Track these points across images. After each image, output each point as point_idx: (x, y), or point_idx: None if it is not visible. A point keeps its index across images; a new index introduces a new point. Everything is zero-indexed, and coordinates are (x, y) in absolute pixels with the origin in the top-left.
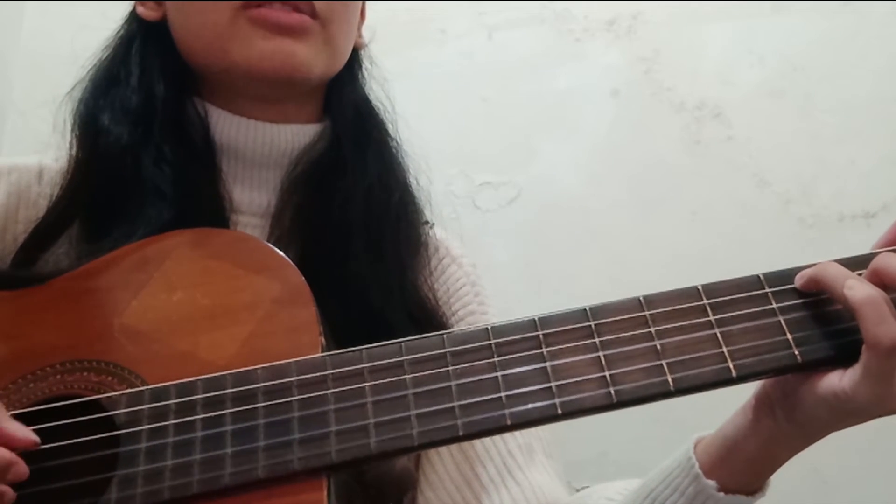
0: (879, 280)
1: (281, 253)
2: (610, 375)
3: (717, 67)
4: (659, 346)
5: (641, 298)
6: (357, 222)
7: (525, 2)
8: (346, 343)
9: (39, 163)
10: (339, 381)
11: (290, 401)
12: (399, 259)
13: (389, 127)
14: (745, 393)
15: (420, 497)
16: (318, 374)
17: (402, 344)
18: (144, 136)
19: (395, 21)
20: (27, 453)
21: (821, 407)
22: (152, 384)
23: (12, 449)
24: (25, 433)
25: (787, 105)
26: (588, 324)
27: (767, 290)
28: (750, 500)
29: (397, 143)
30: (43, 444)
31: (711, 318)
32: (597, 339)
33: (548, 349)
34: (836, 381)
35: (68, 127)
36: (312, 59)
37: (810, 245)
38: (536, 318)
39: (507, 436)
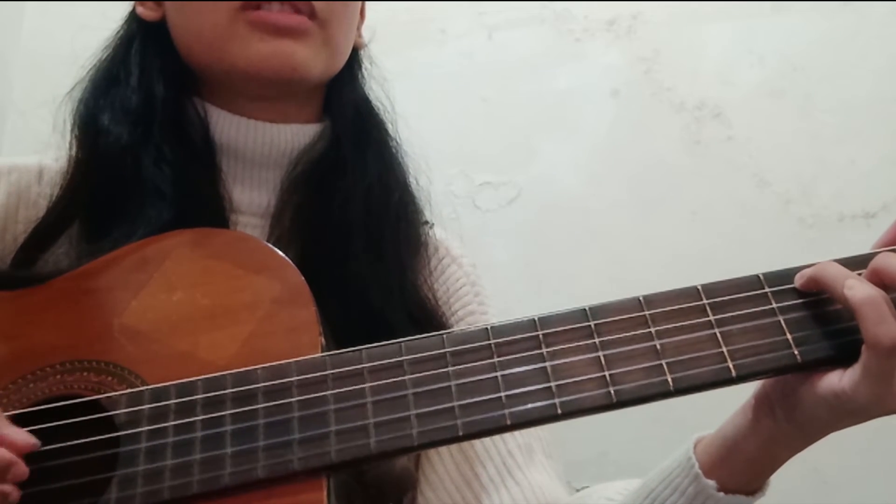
0: (879, 280)
1: (281, 253)
2: (609, 375)
3: (717, 67)
4: (659, 346)
5: (641, 298)
6: (357, 222)
7: (525, 2)
8: (346, 343)
9: (39, 163)
10: (339, 382)
11: (290, 401)
12: (399, 259)
13: (389, 127)
14: (744, 393)
15: (420, 497)
16: (317, 374)
17: (402, 344)
18: (144, 136)
19: (395, 21)
20: (27, 454)
21: (820, 407)
22: (152, 384)
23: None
24: (25, 438)
25: (787, 105)
26: (588, 324)
27: (767, 289)
28: (750, 500)
29: (397, 142)
30: (43, 444)
31: (711, 317)
32: (596, 339)
33: (547, 349)
34: (836, 380)
35: (68, 127)
36: (311, 60)
37: (810, 245)
38: (536, 318)
39: (507, 436)
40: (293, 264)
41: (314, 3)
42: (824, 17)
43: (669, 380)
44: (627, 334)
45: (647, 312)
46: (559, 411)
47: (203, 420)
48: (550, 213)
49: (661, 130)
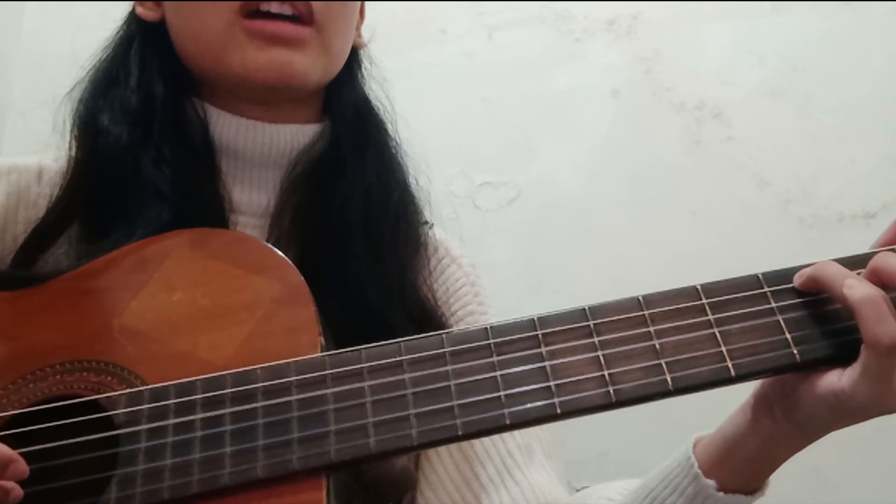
0: (878, 279)
1: (280, 253)
2: (609, 375)
3: (717, 67)
4: (658, 346)
5: (640, 298)
6: (356, 222)
7: (525, 2)
8: (346, 343)
9: (39, 163)
10: (339, 381)
11: (290, 400)
12: (398, 259)
13: (389, 127)
14: (744, 393)
15: (419, 497)
16: (317, 373)
17: (402, 344)
18: (144, 136)
19: (395, 21)
20: (27, 453)
21: (820, 406)
22: (152, 384)
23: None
24: (9, 454)
25: (787, 105)
26: (587, 323)
27: (766, 289)
28: (749, 500)
29: (397, 142)
30: (42, 443)
31: (710, 317)
32: (596, 339)
33: (547, 349)
34: (835, 380)
35: (68, 127)
36: (310, 68)
37: (810, 245)
38: (535, 318)
39: (507, 436)
40: (293, 264)
41: (313, 3)
42: (824, 17)
43: (668, 379)
44: (626, 334)
45: (646, 312)
46: (558, 411)
47: (202, 420)
48: (550, 213)
49: (661, 130)
